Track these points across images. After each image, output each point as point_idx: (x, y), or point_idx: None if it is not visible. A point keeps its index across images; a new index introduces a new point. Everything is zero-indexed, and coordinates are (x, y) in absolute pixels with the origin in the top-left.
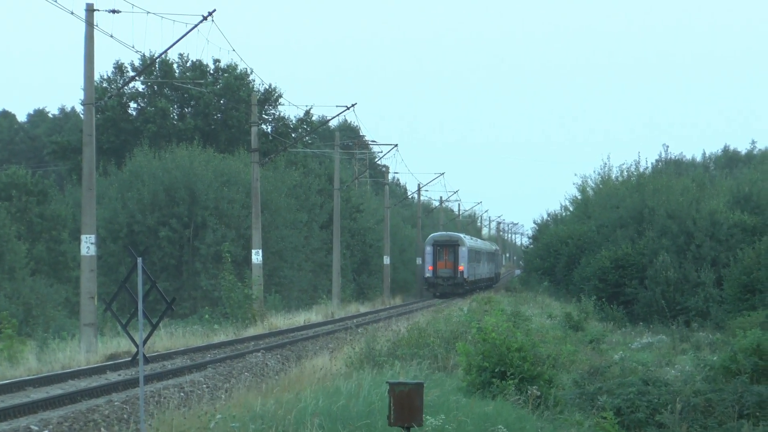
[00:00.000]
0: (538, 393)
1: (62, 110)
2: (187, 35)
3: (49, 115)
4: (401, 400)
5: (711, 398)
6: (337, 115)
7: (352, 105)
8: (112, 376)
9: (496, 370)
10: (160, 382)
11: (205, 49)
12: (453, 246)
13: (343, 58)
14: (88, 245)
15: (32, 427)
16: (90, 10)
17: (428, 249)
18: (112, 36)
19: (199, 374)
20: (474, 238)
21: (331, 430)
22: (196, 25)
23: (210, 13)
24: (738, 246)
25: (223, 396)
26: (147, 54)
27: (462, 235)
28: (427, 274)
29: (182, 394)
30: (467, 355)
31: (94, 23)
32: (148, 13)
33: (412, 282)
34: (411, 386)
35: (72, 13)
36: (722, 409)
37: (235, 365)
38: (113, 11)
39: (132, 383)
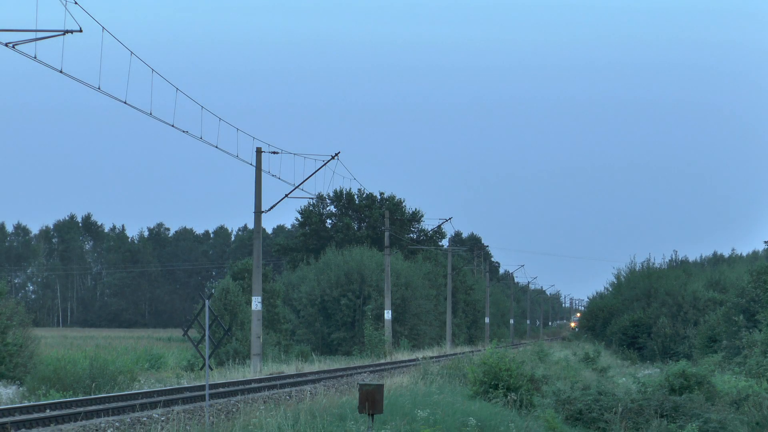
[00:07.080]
0: (518, 398)
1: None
2: (319, 170)
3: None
4: (367, 396)
5: (642, 404)
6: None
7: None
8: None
9: (491, 383)
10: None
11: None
12: None
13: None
14: (256, 303)
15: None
16: (258, 152)
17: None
18: (269, 172)
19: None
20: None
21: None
22: (325, 163)
23: (336, 154)
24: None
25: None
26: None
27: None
28: None
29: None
30: (473, 373)
31: (262, 164)
32: (295, 155)
33: (506, 334)
34: (374, 386)
35: (236, 156)
36: (649, 411)
37: (341, 381)
38: (274, 152)
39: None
